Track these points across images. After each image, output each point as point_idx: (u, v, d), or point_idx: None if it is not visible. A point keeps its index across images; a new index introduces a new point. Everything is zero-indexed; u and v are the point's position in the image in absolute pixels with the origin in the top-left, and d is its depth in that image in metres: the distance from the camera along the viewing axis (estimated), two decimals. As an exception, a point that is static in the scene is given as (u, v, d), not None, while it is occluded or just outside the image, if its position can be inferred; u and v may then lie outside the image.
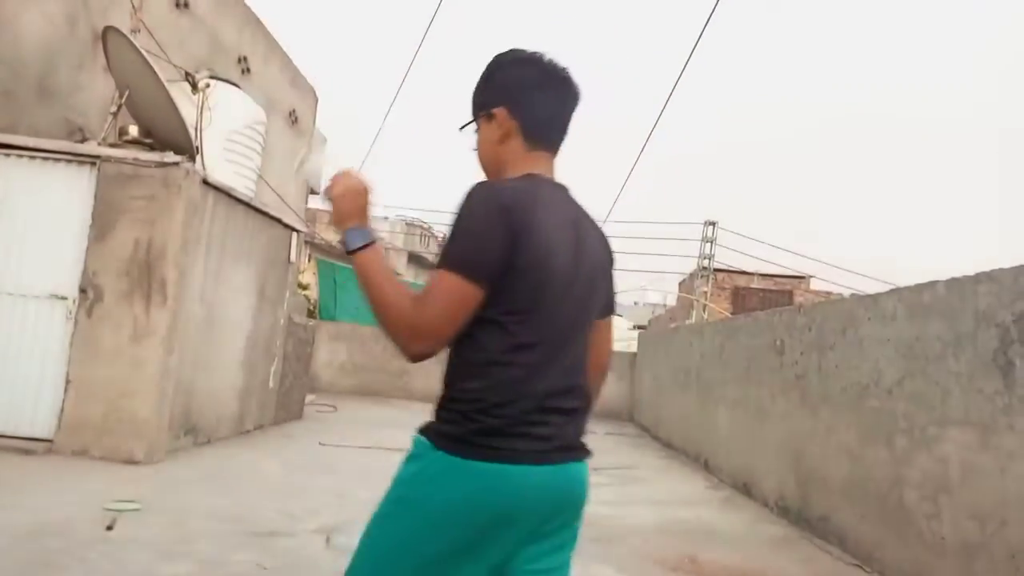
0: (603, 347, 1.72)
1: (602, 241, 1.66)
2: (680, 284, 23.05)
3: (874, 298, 5.55)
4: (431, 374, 15.35)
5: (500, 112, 1.58)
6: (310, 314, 14.39)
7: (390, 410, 12.95)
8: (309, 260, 18.25)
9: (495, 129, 1.59)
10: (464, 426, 1.41)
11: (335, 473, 6.68)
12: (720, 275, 19.90)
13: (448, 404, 1.46)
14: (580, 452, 1.55)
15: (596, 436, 12.11)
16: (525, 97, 1.58)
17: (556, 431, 1.47)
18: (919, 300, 4.85)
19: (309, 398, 11.25)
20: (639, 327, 25.13)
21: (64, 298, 6.15)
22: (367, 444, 8.51)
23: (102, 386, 6.03)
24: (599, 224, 1.68)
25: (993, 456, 3.91)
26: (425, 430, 1.48)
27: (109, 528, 4.19)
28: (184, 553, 3.95)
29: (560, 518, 1.52)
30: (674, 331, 13.28)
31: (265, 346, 8.61)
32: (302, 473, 6.53)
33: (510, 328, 1.43)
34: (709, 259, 18.97)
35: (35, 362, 6.10)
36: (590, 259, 1.57)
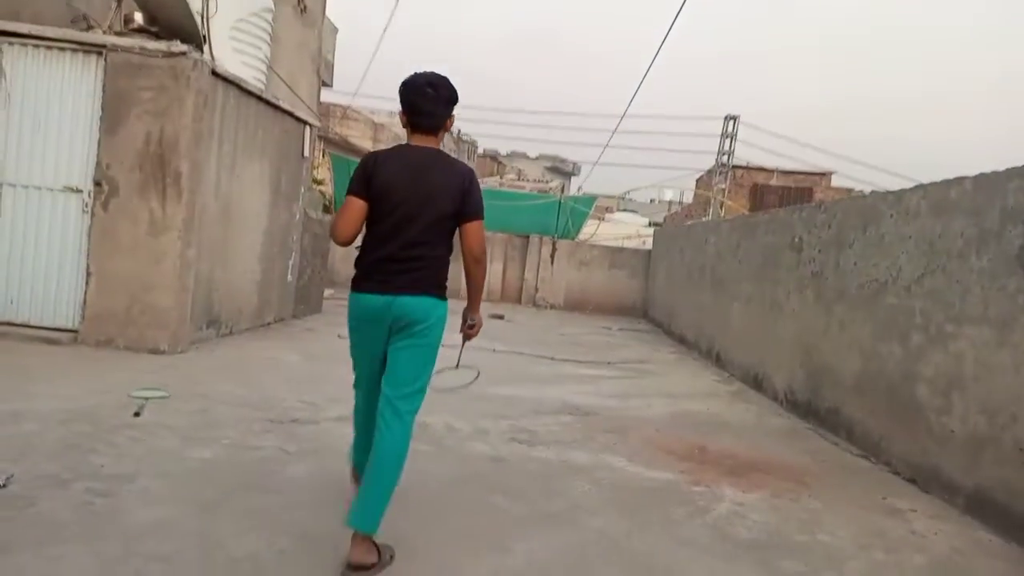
0: (469, 240, 2.91)
1: (451, 175, 2.88)
2: (697, 181, 22.67)
3: (897, 194, 5.43)
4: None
5: (400, 113, 2.98)
6: (325, 210, 14.35)
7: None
8: (323, 156, 18.04)
9: (402, 120, 2.99)
10: (354, 276, 2.95)
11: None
12: (739, 172, 19.50)
13: (357, 263, 2.95)
14: (408, 290, 2.83)
15: (610, 332, 12.27)
16: (403, 104, 2.95)
17: (389, 277, 2.84)
18: (945, 196, 4.74)
19: (327, 292, 11.39)
20: (655, 224, 24.95)
21: (79, 191, 6.15)
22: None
23: (123, 279, 6.11)
24: (455, 166, 2.93)
25: (1010, 353, 3.91)
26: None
27: (137, 415, 4.34)
28: (211, 439, 4.10)
29: (400, 323, 2.85)
30: (690, 228, 13.17)
31: (282, 240, 8.64)
32: (322, 364, 6.69)
33: (370, 226, 2.91)
34: (728, 155, 18.54)
35: (55, 254, 6.18)
36: (427, 186, 2.83)
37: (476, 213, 2.90)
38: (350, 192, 2.87)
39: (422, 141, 2.94)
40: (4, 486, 3.09)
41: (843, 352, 5.82)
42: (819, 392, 6.18)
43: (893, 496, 4.34)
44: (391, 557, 2.77)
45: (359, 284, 2.90)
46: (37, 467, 3.36)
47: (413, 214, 2.82)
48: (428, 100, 2.91)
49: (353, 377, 3.17)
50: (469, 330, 3.18)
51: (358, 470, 3.19)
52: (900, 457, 4.84)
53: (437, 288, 2.90)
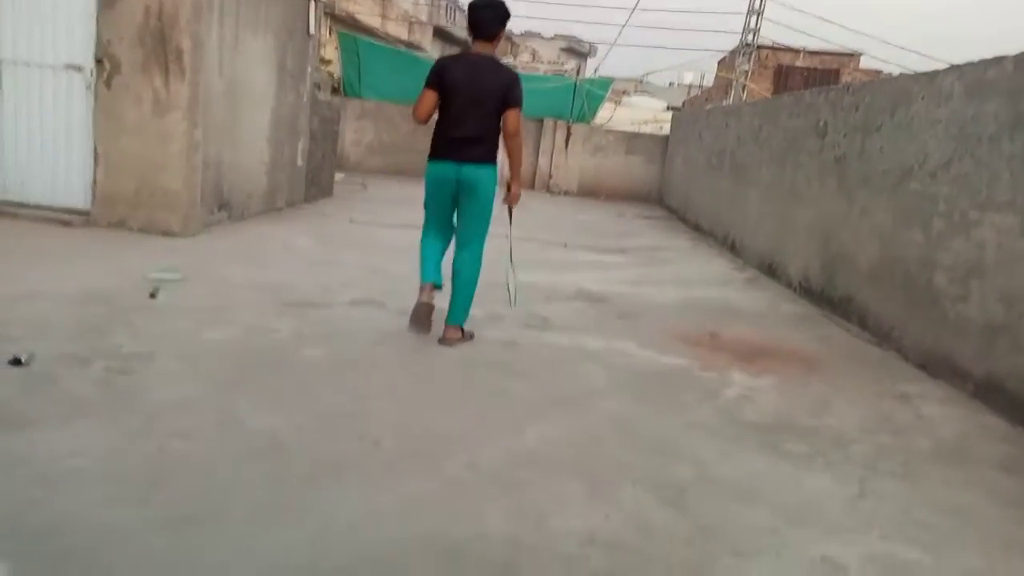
0: (508, 122, 3.97)
1: (498, 77, 3.96)
2: (720, 63, 21.80)
3: (930, 76, 5.18)
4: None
5: (468, 29, 4.03)
6: (334, 91, 13.98)
7: (419, 189, 12.97)
8: (330, 33, 17.40)
9: (468, 31, 4.01)
10: (431, 148, 4.05)
11: (366, 249, 6.82)
12: (764, 52, 18.67)
13: (432, 140, 4.04)
14: (470, 160, 3.94)
15: (624, 219, 12.15)
16: (468, 20, 4.01)
17: (456, 151, 3.94)
18: (981, 77, 4.50)
19: (338, 176, 11.26)
20: (673, 109, 24.23)
21: (80, 68, 5.97)
22: (396, 222, 8.61)
23: (131, 160, 6.03)
24: (502, 70, 4.04)
25: (1034, 241, 3.82)
26: None
27: (152, 296, 4.37)
28: (226, 320, 4.14)
29: (465, 184, 3.98)
30: (710, 112, 12.77)
31: (290, 123, 8.44)
32: (334, 249, 6.68)
33: (441, 113, 3.97)
34: (754, 33, 17.69)
35: (62, 135, 6.08)
36: (480, 84, 3.91)
37: (515, 103, 3.99)
38: (426, 86, 4.02)
39: (481, 48, 4.07)
40: (27, 364, 3.15)
41: (862, 239, 5.73)
42: (834, 279, 6.13)
43: (902, 382, 4.38)
44: (472, 335, 4.26)
45: (435, 154, 4.08)
46: (57, 346, 3.41)
47: (471, 105, 3.96)
48: (486, 18, 4.02)
49: (424, 222, 4.32)
50: (512, 199, 4.28)
51: (427, 282, 4.19)
52: (912, 344, 4.84)
53: (489, 159, 4.06)
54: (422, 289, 4.16)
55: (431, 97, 4.00)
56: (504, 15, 4.05)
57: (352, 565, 2.08)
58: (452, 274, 4.17)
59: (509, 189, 4.22)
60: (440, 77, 3.97)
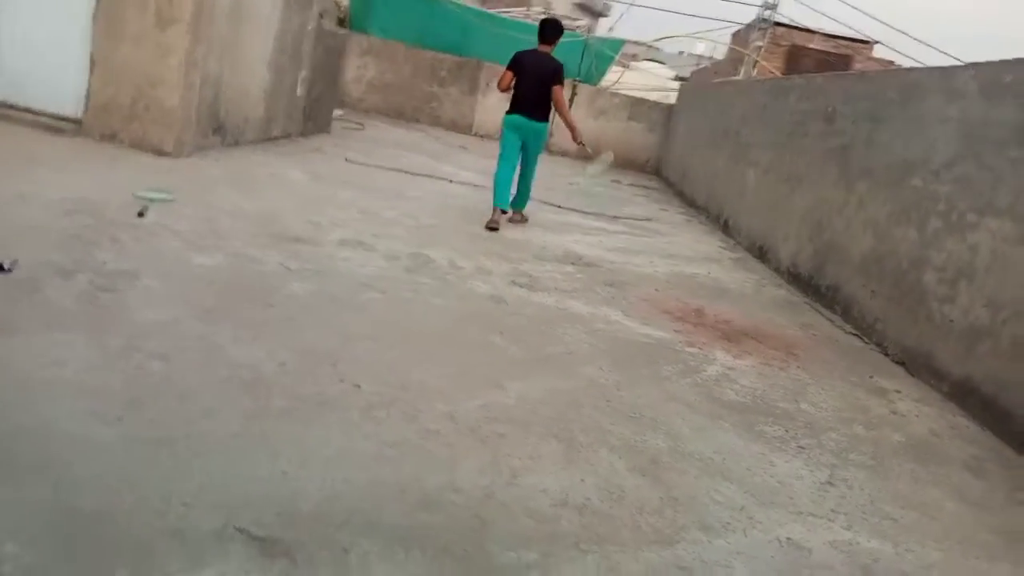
0: (555, 94, 6.40)
1: (550, 66, 6.35)
2: (734, 35, 21.49)
3: (946, 71, 5.13)
4: (459, 105, 15.04)
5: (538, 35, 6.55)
6: (340, 23, 13.63)
7: (417, 135, 12.81)
8: (341, -39, 16.89)
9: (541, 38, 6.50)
10: (510, 107, 6.54)
11: (360, 190, 6.74)
12: (779, 30, 18.38)
13: (511, 102, 6.49)
14: (534, 116, 6.43)
15: (619, 187, 12.08)
16: (538, 29, 6.57)
17: (527, 110, 6.40)
18: (998, 78, 4.46)
19: (336, 113, 11.06)
20: (680, 79, 23.93)
21: (82, -30, 5.76)
22: (392, 166, 8.50)
23: (128, 70, 5.86)
24: (553, 62, 6.38)
25: (1028, 250, 3.83)
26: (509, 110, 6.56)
27: (140, 215, 4.29)
28: (214, 247, 4.08)
29: (530, 131, 6.48)
30: (719, 85, 12.63)
31: (293, 49, 8.24)
32: (327, 186, 6.59)
33: (515, 86, 6.43)
34: (772, 8, 17.39)
35: (57, 36, 5.88)
36: (540, 69, 6.34)
37: (559, 82, 6.36)
38: (507, 67, 6.38)
39: (542, 47, 6.43)
40: (10, 271, 3.10)
41: (856, 231, 5.73)
42: (823, 268, 6.15)
43: (880, 376, 4.43)
44: (526, 219, 6.85)
45: (514, 110, 6.43)
46: (42, 255, 3.35)
47: (533, 83, 6.33)
48: (547, 30, 6.44)
49: (500, 159, 6.50)
50: (579, 136, 6.78)
51: (498, 206, 6.34)
52: (894, 340, 4.89)
53: (544, 118, 6.49)
54: (494, 211, 6.33)
55: (509, 76, 6.40)
56: (560, 31, 6.55)
57: (324, 504, 2.08)
58: (519, 183, 6.68)
59: (575, 139, 6.79)
60: (518, 63, 6.38)
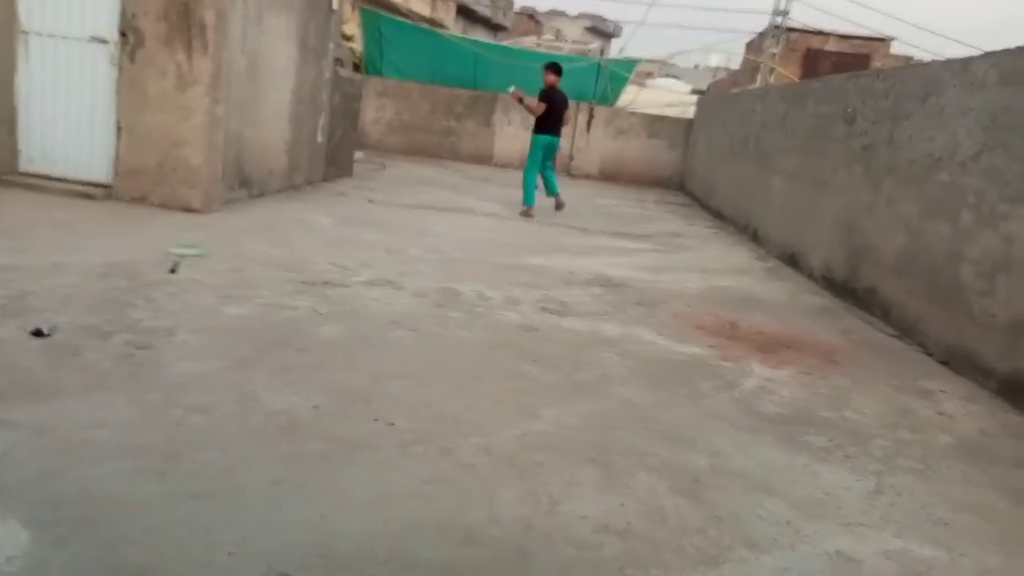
0: (567, 115, 9.49)
1: (564, 96, 9.23)
2: (748, 45, 21.47)
3: (964, 62, 5.06)
4: (476, 137, 15.20)
5: (547, 73, 9.27)
6: (355, 68, 13.93)
7: (437, 170, 12.96)
8: (353, 10, 17.29)
9: (549, 75, 9.17)
10: (541, 130, 9.33)
11: (384, 230, 6.82)
12: (793, 35, 18.33)
13: (537, 123, 9.21)
14: (556, 135, 9.29)
15: (644, 204, 12.06)
16: (551, 70, 9.29)
17: (552, 129, 9.21)
18: (1017, 65, 4.39)
19: (358, 155, 11.25)
20: (698, 92, 23.92)
21: (105, 41, 5.98)
22: (415, 203, 8.61)
23: (153, 134, 6.05)
24: (565, 95, 9.29)
25: (1065, 236, 3.74)
26: (534, 129, 9.36)
27: (172, 271, 4.40)
28: (245, 297, 4.16)
29: (552, 146, 9.32)
30: (736, 96, 12.60)
31: (311, 99, 8.44)
32: (353, 228, 6.69)
33: (547, 112, 9.08)
34: (784, 15, 17.37)
35: (85, 107, 6.11)
36: (560, 101, 9.17)
37: (568, 107, 9.30)
38: (540, 99, 8.91)
39: (556, 83, 9.02)
40: (50, 335, 3.19)
41: (887, 230, 5.64)
42: (857, 271, 6.05)
43: (924, 377, 4.32)
44: (563, 204, 9.46)
45: (544, 131, 9.04)
46: (79, 318, 3.45)
47: (557, 110, 9.02)
48: (559, 70, 9.13)
49: (529, 165, 9.11)
50: (516, 94, 9.22)
51: (530, 204, 8.92)
52: (935, 339, 4.78)
53: (559, 134, 9.24)
54: (530, 207, 8.90)
55: (544, 105, 8.85)
56: (562, 69, 9.22)
57: (365, 545, 2.09)
58: (545, 176, 9.29)
59: (521, 100, 9.11)
60: (548, 96, 8.89)
